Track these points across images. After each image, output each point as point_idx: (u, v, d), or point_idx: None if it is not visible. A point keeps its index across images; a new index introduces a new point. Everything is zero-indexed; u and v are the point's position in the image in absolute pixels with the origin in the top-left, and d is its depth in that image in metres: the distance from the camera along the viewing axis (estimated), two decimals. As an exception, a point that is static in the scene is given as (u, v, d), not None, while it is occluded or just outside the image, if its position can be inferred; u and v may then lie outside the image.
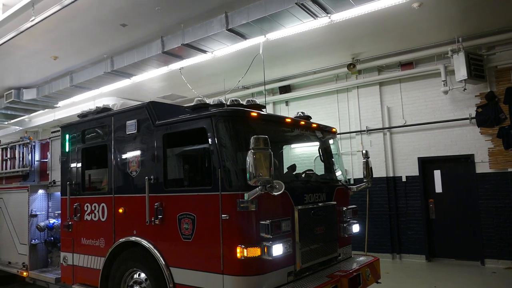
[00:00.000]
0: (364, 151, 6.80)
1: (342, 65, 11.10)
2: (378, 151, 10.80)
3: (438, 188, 10.19)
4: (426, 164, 10.38)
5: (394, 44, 10.01)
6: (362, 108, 11.30)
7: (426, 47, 9.99)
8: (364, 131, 11.14)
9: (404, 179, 10.56)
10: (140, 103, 5.90)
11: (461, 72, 9.10)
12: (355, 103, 11.45)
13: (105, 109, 6.47)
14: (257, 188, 4.24)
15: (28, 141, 8.38)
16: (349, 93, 11.64)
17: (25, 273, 7.52)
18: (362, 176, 6.82)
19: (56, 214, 7.53)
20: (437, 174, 10.23)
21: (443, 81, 9.77)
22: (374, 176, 7.04)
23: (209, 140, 4.81)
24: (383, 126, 10.91)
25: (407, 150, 10.59)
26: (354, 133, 11.38)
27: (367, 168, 6.69)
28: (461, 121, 9.80)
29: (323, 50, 10.12)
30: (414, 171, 10.44)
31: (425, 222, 10.20)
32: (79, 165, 6.56)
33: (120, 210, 5.66)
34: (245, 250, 4.35)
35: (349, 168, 11.09)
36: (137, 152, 5.61)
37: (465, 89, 9.54)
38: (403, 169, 10.62)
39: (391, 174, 10.71)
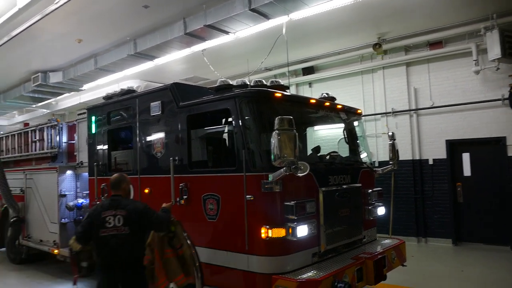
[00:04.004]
0: (390, 133, 6.66)
1: (367, 45, 10.80)
2: (404, 133, 10.55)
3: (467, 172, 9.90)
4: (454, 146, 10.08)
5: (422, 23, 9.64)
6: (387, 89, 11.02)
7: (457, 25, 9.57)
8: (390, 113, 10.88)
9: (431, 162, 10.31)
10: (163, 85, 5.91)
11: (495, 50, 8.70)
12: (380, 85, 11.17)
13: (130, 91, 6.53)
14: (282, 169, 4.20)
15: (56, 123, 8.58)
16: (374, 74, 11.35)
17: (56, 251, 7.80)
18: (387, 159, 6.69)
19: (84, 194, 7.71)
20: (465, 157, 9.92)
21: (475, 60, 9.37)
22: (400, 158, 6.88)
23: (233, 121, 4.79)
24: (410, 108, 10.62)
25: (434, 132, 10.30)
26: (379, 115, 11.14)
27: (393, 150, 6.56)
28: (492, 102, 9.41)
29: (347, 30, 9.85)
30: (441, 154, 10.17)
31: (452, 206, 9.96)
32: (105, 146, 6.68)
33: (146, 191, 5.75)
34: (269, 231, 4.36)
35: (374, 150, 10.89)
36: (162, 134, 5.65)
37: (498, 68, 9.13)
38: (430, 152, 10.36)
39: (417, 157, 10.47)
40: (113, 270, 4.22)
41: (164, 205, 4.76)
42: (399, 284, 6.59)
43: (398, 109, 10.79)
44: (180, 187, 5.24)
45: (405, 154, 10.32)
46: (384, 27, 9.89)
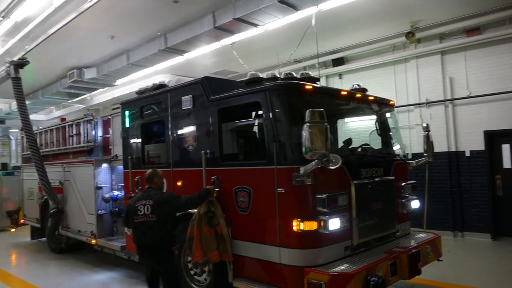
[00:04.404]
0: (424, 125, 6.50)
1: (400, 34, 10.48)
2: (439, 124, 10.21)
3: (507, 163, 9.46)
4: (493, 137, 9.66)
5: (458, 9, 9.23)
6: (421, 79, 10.67)
7: (496, 10, 9.09)
8: (424, 103, 10.55)
9: (467, 154, 9.94)
10: (194, 79, 5.96)
11: (538, 35, 8.25)
12: (413, 74, 10.83)
13: (161, 85, 6.63)
14: (313, 162, 4.18)
15: (91, 118, 8.84)
16: (407, 64, 11.02)
17: (93, 241, 8.08)
18: (421, 151, 6.53)
19: (119, 187, 7.94)
20: (505, 148, 9.47)
21: (515, 47, 8.93)
22: (434, 150, 6.69)
23: (264, 114, 4.78)
24: (445, 98, 10.25)
25: (471, 123, 9.90)
26: (413, 106, 10.83)
27: (428, 142, 6.41)
28: (534, 91, 8.96)
29: (379, 19, 9.58)
30: (479, 145, 9.78)
31: (491, 199, 9.58)
32: (139, 140, 6.83)
33: (179, 183, 5.85)
34: (301, 224, 4.36)
35: (407, 142, 10.62)
36: (193, 127, 5.72)
37: (541, 55, 8.66)
38: (466, 143, 9.98)
39: (453, 149, 10.13)
40: (143, 251, 5.03)
41: (208, 186, 5.21)
42: (435, 279, 6.42)
43: (433, 99, 10.44)
44: (212, 179, 5.30)
45: (440, 146, 9.99)
46: (417, 15, 9.56)
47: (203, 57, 11.19)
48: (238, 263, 5.04)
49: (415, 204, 6.03)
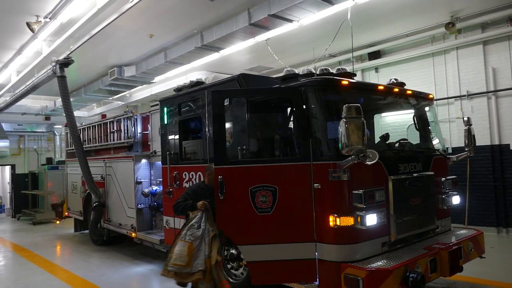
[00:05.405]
0: (465, 118, 6.29)
1: (439, 25, 10.12)
2: (481, 117, 9.83)
3: (555, 158, 9.02)
4: (540, 130, 9.20)
5: (502, -4, 8.83)
6: (462, 71, 10.29)
7: (544, -4, 8.65)
8: (464, 96, 10.17)
9: (512, 147, 9.55)
10: (230, 76, 6.05)
11: None
12: (453, 66, 10.45)
13: (198, 82, 6.76)
14: (350, 158, 4.18)
15: (131, 115, 9.13)
16: (447, 55, 10.64)
17: (133, 234, 8.38)
18: (461, 145, 6.33)
19: (158, 182, 8.18)
20: (553, 141, 9.03)
21: None
22: (476, 144, 6.46)
23: (300, 110, 4.80)
24: (487, 90, 9.85)
25: (516, 115, 9.47)
26: (453, 99, 10.47)
27: (469, 136, 6.20)
28: None
29: (417, 10, 9.31)
30: (525, 138, 9.35)
31: (537, 195, 9.17)
32: (177, 136, 7.00)
33: (215, 179, 5.96)
34: (337, 219, 4.37)
35: (447, 136, 10.31)
36: (229, 124, 5.79)
37: None
38: (511, 136, 9.56)
39: (496, 142, 9.72)
40: None
41: (200, 202, 5.02)
42: (477, 277, 6.24)
43: (474, 91, 10.05)
44: (219, 179, 5.29)
45: (482, 140, 9.64)
46: (458, 4, 9.20)
47: (238, 53, 11.29)
48: (258, 270, 4.85)
49: (455, 199, 5.88)
